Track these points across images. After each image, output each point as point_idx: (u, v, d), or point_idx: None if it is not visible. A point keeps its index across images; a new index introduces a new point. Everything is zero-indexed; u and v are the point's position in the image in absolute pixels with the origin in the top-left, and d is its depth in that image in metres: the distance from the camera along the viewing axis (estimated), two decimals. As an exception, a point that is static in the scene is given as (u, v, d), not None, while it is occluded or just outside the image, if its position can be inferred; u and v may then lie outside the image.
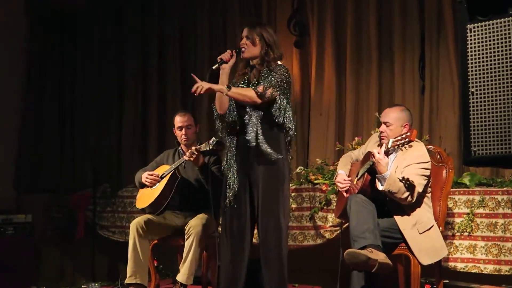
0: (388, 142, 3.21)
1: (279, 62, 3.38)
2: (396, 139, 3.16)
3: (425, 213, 3.32)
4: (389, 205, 3.29)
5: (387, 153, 3.23)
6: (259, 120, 3.25)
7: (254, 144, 3.23)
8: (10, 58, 6.18)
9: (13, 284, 4.72)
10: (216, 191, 3.50)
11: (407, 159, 3.31)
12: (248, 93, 3.20)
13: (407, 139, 3.10)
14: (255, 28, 3.33)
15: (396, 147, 3.16)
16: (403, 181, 3.17)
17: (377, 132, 3.98)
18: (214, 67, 3.28)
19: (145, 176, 4.00)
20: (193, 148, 3.71)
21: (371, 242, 3.05)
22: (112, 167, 5.86)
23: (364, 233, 3.08)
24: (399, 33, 4.57)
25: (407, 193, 3.18)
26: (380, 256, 3.01)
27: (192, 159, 3.71)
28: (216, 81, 3.31)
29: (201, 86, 3.18)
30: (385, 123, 3.40)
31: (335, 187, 3.95)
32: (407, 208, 3.27)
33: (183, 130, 4.00)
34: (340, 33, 4.86)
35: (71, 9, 6.20)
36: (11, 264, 5.32)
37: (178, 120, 4.03)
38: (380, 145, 3.42)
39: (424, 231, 3.26)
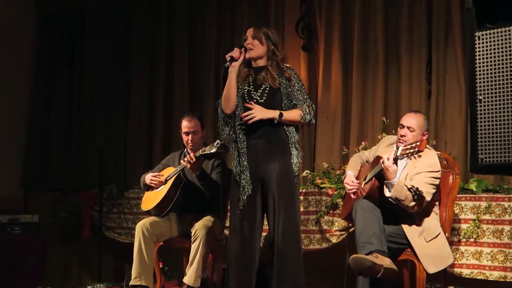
0: (398, 150, 3.20)
1: (287, 65, 3.39)
2: (406, 147, 3.14)
3: (432, 221, 3.31)
4: (398, 213, 3.28)
5: (395, 160, 3.21)
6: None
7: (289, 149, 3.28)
8: (19, 55, 6.20)
9: (19, 284, 4.73)
10: (217, 195, 3.48)
11: (418, 167, 3.28)
12: (298, 119, 3.29)
13: (416, 149, 3.07)
14: (261, 28, 3.34)
15: (405, 155, 3.15)
16: (412, 190, 3.15)
17: (384, 136, 3.97)
18: (226, 65, 3.26)
19: (149, 178, 4.01)
20: (192, 154, 3.70)
21: (376, 248, 3.04)
22: (119, 167, 5.87)
23: (370, 239, 3.07)
24: (407, 37, 4.55)
25: (414, 202, 3.17)
26: (386, 262, 3.00)
27: (188, 166, 3.70)
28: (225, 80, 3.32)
29: (255, 115, 3.22)
30: (408, 127, 3.37)
31: (343, 189, 3.94)
32: (416, 217, 3.26)
33: (190, 135, 3.97)
34: (347, 37, 4.85)
35: (80, 6, 6.21)
36: (17, 264, 5.33)
37: (185, 125, 3.99)
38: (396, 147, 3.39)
39: (431, 239, 3.25)
